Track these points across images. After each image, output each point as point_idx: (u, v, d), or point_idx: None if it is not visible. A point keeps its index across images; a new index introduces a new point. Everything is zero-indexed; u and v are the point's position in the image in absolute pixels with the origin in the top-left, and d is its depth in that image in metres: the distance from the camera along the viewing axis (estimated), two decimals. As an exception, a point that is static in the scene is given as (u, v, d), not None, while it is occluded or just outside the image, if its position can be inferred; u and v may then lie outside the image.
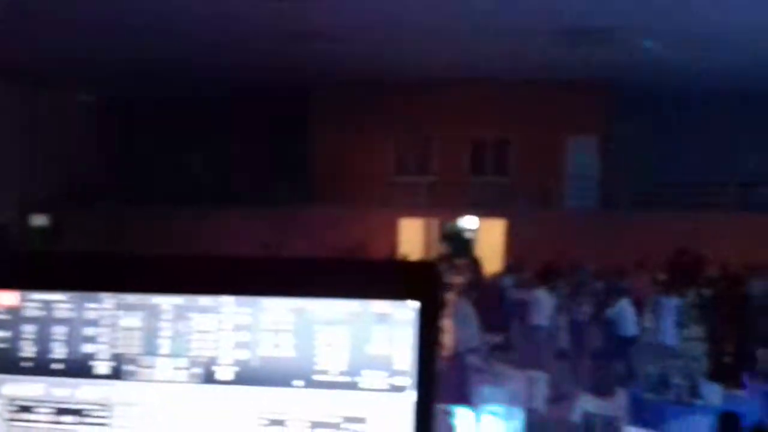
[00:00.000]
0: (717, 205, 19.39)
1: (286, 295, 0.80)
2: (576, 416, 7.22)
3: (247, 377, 0.81)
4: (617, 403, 7.17)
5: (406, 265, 0.81)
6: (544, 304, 12.02)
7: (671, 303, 12.64)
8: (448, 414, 5.80)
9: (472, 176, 21.16)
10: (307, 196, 20.70)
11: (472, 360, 9.56)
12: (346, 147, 20.71)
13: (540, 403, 8.96)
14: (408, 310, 0.79)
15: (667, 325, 12.51)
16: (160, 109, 21.98)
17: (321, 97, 21.20)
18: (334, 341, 0.80)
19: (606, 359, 8.75)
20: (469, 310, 11.10)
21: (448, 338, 12.30)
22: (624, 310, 11.70)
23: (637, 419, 7.39)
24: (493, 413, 6.16)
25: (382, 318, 0.79)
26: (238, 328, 0.81)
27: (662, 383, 7.75)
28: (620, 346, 11.27)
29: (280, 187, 20.76)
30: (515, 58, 18.10)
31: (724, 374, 10.42)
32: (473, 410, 6.24)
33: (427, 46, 17.31)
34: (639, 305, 13.68)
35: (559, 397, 9.01)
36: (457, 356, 9.33)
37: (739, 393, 8.55)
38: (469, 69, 19.31)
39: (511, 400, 8.39)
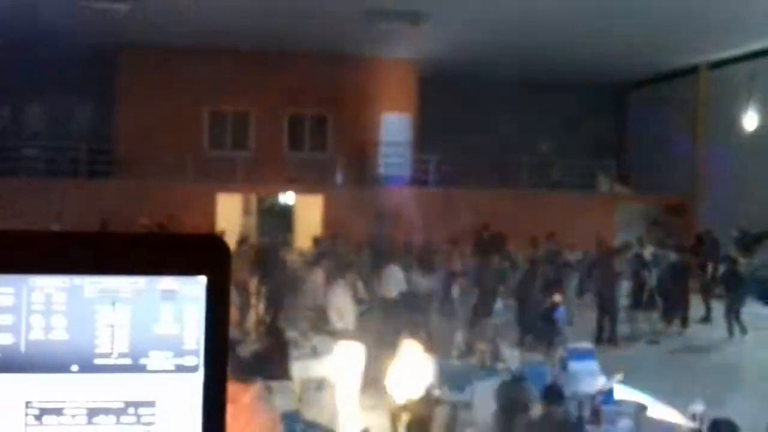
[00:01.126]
0: (511, 185, 20.76)
1: (58, 272, 0.73)
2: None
3: (12, 364, 0.73)
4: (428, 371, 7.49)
5: (192, 239, 0.76)
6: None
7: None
8: (269, 390, 5.75)
9: (289, 152, 21.10)
10: (115, 169, 19.63)
11: (291, 334, 9.59)
12: (158, 119, 19.79)
13: (357, 374, 9.18)
14: (196, 286, 0.74)
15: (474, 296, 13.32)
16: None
17: (129, 64, 20.08)
18: (116, 321, 0.74)
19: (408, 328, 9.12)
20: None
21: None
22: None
23: (446, 384, 7.80)
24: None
25: (169, 295, 0.75)
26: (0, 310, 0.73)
27: (468, 349, 8.23)
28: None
29: (90, 159, 19.52)
30: (332, 36, 18.19)
31: (526, 341, 11.33)
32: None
33: (244, 22, 16.91)
34: (453, 276, 14.43)
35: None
36: (276, 331, 9.32)
37: (537, 357, 9.30)
38: (287, 45, 19.14)
39: (330, 372, 8.53)
